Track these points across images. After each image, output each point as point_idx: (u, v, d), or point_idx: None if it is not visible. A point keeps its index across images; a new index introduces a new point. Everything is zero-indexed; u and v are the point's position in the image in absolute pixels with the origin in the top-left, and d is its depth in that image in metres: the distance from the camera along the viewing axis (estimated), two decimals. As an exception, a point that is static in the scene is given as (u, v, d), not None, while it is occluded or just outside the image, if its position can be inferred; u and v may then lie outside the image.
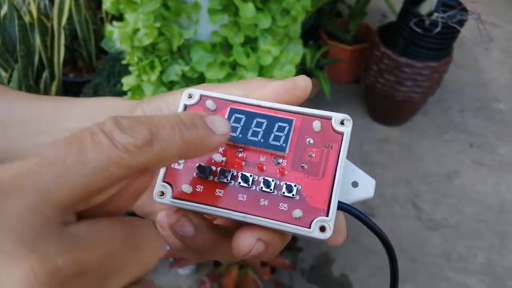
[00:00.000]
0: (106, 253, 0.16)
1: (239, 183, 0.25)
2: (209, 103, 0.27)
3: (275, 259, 1.09)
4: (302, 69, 1.60)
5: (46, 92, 1.45)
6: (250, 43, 0.89)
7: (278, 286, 1.13)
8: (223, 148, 0.26)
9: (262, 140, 0.25)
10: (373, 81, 1.63)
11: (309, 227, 0.24)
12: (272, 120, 0.26)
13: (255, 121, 0.26)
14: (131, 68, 0.96)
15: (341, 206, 0.25)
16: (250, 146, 0.26)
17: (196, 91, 0.27)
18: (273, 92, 0.27)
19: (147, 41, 0.84)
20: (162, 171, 0.26)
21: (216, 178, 0.25)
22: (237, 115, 0.26)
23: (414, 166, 1.62)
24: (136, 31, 0.85)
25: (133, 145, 0.17)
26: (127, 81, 0.97)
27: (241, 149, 0.26)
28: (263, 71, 0.90)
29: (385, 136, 1.72)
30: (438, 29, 1.37)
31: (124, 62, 0.94)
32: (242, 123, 0.26)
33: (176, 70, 0.89)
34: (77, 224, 0.16)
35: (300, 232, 0.24)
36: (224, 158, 0.26)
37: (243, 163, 0.26)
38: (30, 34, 1.34)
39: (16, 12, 1.18)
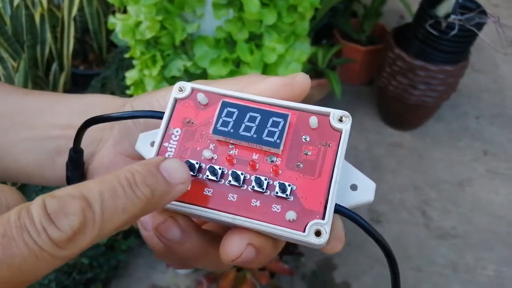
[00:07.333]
0: None
1: (230, 181, 0.23)
2: (201, 97, 0.25)
3: (275, 264, 1.07)
4: (313, 69, 1.57)
5: (55, 83, 1.45)
6: (255, 40, 0.86)
7: (277, 290, 1.10)
8: (213, 144, 0.25)
9: (255, 136, 0.24)
10: (386, 84, 1.59)
11: (304, 231, 0.22)
12: (266, 114, 0.24)
13: (248, 116, 0.24)
14: (134, 62, 0.95)
15: (339, 210, 0.23)
16: (242, 142, 0.24)
17: (187, 84, 0.26)
18: (270, 88, 0.26)
19: (149, 35, 0.82)
20: None
21: (205, 176, 0.24)
22: (229, 109, 0.24)
23: (425, 173, 1.58)
24: (138, 24, 0.83)
25: (61, 240, 0.15)
26: (130, 75, 0.96)
27: (233, 146, 0.24)
28: (267, 69, 0.88)
29: (396, 140, 1.68)
30: (454, 32, 1.32)
31: (127, 55, 0.93)
32: (234, 117, 0.24)
33: (178, 66, 0.87)
34: None
35: (293, 237, 0.22)
36: (214, 155, 0.24)
37: (235, 161, 0.24)
38: (38, 25, 1.33)
39: (24, 2, 1.18)
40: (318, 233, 0.22)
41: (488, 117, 1.80)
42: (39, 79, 1.41)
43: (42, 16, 1.35)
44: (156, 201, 0.19)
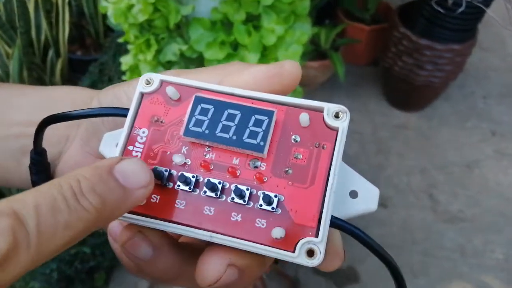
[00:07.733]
0: None
1: (205, 192, 0.20)
2: (171, 91, 0.21)
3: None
4: (315, 50, 1.52)
5: (52, 70, 1.42)
6: (253, 21, 0.83)
7: (281, 276, 1.09)
8: (186, 147, 0.21)
9: (234, 138, 0.20)
10: (391, 64, 1.55)
11: (293, 251, 0.19)
12: (247, 111, 0.20)
13: (226, 113, 0.21)
14: (129, 47, 0.92)
15: (336, 223, 0.20)
16: (219, 145, 0.20)
17: (156, 76, 0.22)
18: (254, 79, 0.22)
19: (142, 18, 0.79)
20: None
21: (176, 185, 0.20)
22: (203, 106, 0.21)
23: (432, 155, 1.54)
24: (130, 7, 0.80)
25: None
26: (125, 60, 0.92)
27: (209, 149, 0.21)
28: (266, 52, 0.84)
29: (402, 122, 1.64)
30: (461, 9, 1.27)
31: (120, 40, 0.89)
32: (209, 115, 0.20)
33: (173, 49, 0.83)
34: None
35: (281, 257, 0.19)
36: (187, 160, 0.21)
37: (211, 167, 0.20)
38: (32, 11, 1.30)
39: (15, -14, 1.14)
40: (310, 253, 0.19)
41: (496, 96, 1.76)
42: (35, 65, 1.38)
43: (36, 1, 1.32)
44: (109, 211, 0.16)
